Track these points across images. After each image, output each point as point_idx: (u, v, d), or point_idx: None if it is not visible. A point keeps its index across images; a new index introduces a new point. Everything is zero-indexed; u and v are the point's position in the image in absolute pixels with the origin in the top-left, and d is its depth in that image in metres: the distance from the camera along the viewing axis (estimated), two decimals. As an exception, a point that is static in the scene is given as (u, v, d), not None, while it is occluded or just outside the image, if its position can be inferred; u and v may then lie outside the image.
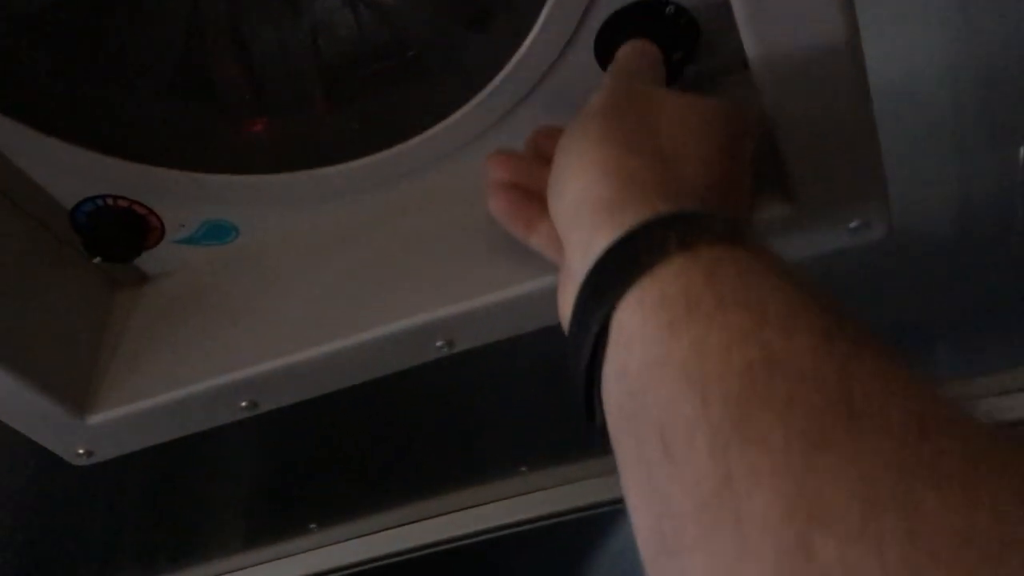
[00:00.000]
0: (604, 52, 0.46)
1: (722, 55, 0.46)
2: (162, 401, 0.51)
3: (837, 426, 0.24)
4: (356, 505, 0.97)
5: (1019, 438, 0.24)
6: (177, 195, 0.53)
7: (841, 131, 0.41)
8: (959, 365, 0.87)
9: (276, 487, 0.96)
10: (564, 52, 0.47)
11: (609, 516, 0.90)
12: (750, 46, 0.38)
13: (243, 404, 0.52)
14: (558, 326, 0.39)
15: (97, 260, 0.53)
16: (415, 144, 0.52)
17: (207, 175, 0.52)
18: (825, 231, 0.45)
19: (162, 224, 0.55)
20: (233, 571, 1.01)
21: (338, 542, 0.98)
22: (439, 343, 0.49)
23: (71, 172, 0.51)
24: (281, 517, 0.99)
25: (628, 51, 0.45)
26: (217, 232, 0.56)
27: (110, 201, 0.53)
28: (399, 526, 0.97)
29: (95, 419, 0.51)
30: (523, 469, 0.92)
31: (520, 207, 0.44)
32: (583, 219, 0.35)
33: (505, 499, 0.94)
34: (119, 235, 0.53)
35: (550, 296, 0.41)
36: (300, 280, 0.54)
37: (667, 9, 0.45)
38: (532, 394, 0.78)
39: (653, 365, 0.29)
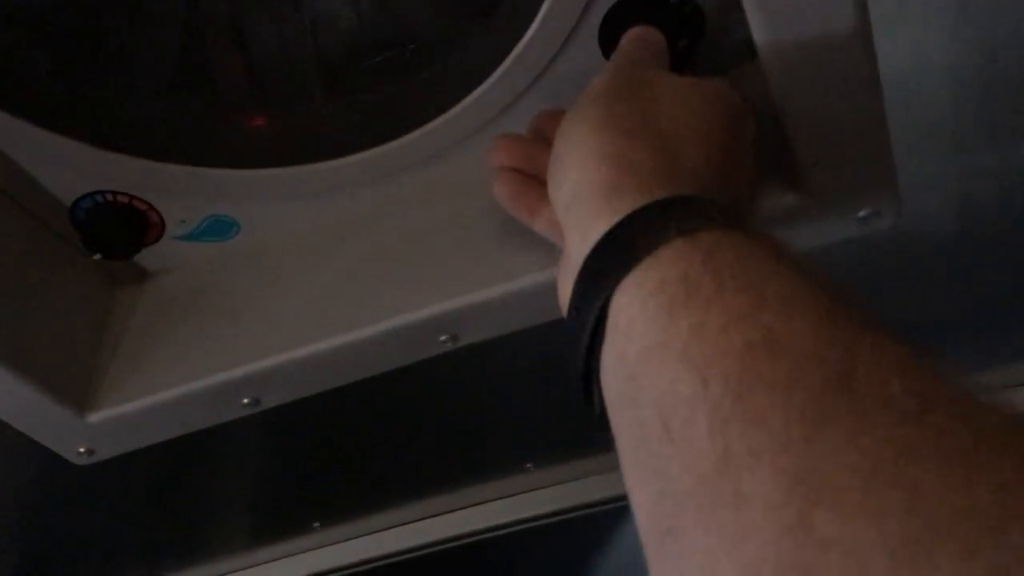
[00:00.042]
0: (608, 41, 0.46)
1: (728, 43, 0.45)
2: (163, 399, 0.51)
3: (838, 404, 0.24)
4: (360, 503, 0.97)
5: (1019, 416, 0.24)
6: (177, 190, 0.53)
7: (851, 120, 0.41)
8: (961, 364, 0.87)
9: (279, 486, 0.96)
10: (567, 42, 0.46)
11: (615, 513, 0.90)
12: (759, 36, 0.38)
13: (245, 401, 0.52)
14: (563, 320, 0.39)
15: (97, 257, 0.53)
16: (417, 137, 0.51)
17: (208, 170, 0.52)
18: (834, 220, 0.45)
19: (162, 220, 0.54)
20: (236, 570, 1.01)
21: (342, 541, 0.98)
22: (443, 337, 0.49)
23: (70, 168, 0.50)
24: (284, 516, 0.99)
25: (632, 38, 0.44)
26: (218, 228, 0.56)
27: (109, 197, 0.52)
28: (403, 524, 0.97)
29: (96, 417, 0.51)
30: (529, 466, 0.92)
31: (523, 191, 0.44)
32: (581, 204, 0.35)
33: (511, 496, 0.94)
34: (119, 231, 0.53)
35: (554, 289, 0.41)
36: (302, 275, 0.53)
37: (672, -3, 0.44)
38: (537, 389, 0.77)
39: (652, 349, 0.29)
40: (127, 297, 0.57)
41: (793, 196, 0.44)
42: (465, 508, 0.95)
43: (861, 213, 0.44)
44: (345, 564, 0.98)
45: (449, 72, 0.52)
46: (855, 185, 0.43)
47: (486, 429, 0.91)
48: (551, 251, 0.43)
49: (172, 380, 0.51)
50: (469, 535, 0.95)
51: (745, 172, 0.41)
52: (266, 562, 1.00)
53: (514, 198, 0.44)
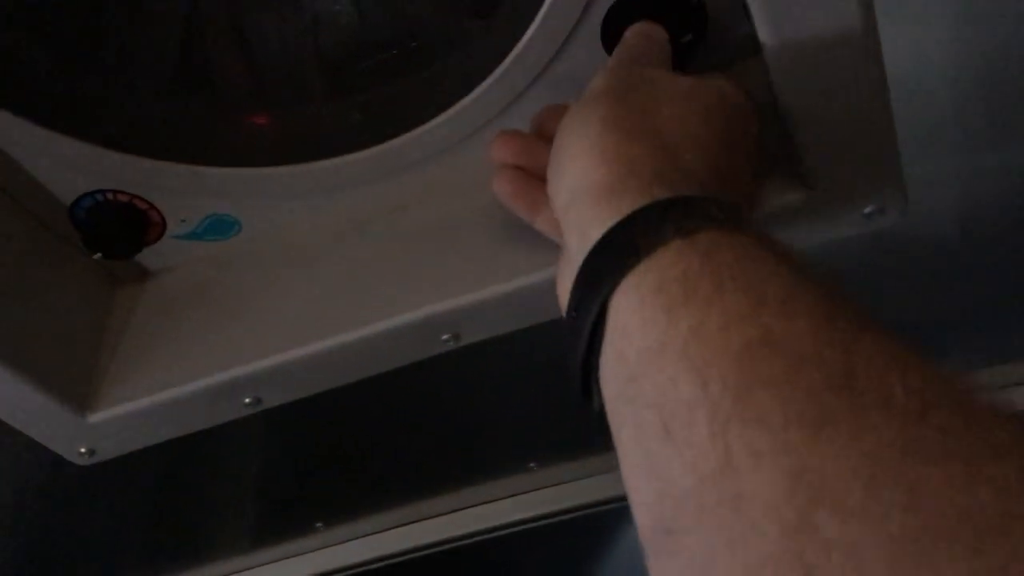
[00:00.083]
0: (611, 38, 0.45)
1: (732, 38, 0.45)
2: (164, 398, 0.50)
3: (838, 404, 0.24)
4: (362, 503, 0.97)
5: (1020, 416, 0.24)
6: (178, 189, 0.52)
7: (857, 117, 0.41)
8: (961, 363, 0.87)
9: (281, 486, 0.96)
10: (568, 40, 0.46)
11: (619, 513, 0.90)
12: (764, 35, 0.38)
13: (247, 401, 0.52)
14: (565, 318, 0.39)
15: (97, 256, 0.53)
16: (418, 135, 0.51)
17: (208, 168, 0.52)
18: (839, 216, 0.44)
19: (163, 219, 0.54)
20: (239, 571, 1.00)
21: (345, 541, 0.98)
22: (445, 336, 0.49)
23: (70, 166, 0.50)
24: (287, 516, 0.99)
25: (633, 34, 0.44)
26: (219, 227, 0.55)
27: (110, 196, 0.52)
28: (406, 524, 0.97)
29: (96, 417, 0.51)
30: (532, 465, 0.92)
31: (524, 189, 0.44)
32: (580, 204, 0.35)
33: (513, 496, 0.94)
34: (119, 231, 0.53)
35: (555, 288, 0.40)
36: (303, 274, 0.53)
37: (675, -9, 0.44)
38: (540, 388, 0.77)
39: (651, 350, 0.29)
40: (128, 297, 0.57)
41: (798, 192, 0.43)
42: (468, 508, 0.95)
43: (867, 209, 0.44)
44: (348, 564, 0.98)
45: (450, 71, 0.52)
46: (861, 181, 0.43)
47: (489, 428, 0.91)
48: (553, 249, 0.43)
49: (173, 380, 0.51)
50: (472, 535, 0.95)
51: (747, 172, 0.41)
52: (268, 563, 1.00)
53: (515, 195, 0.44)
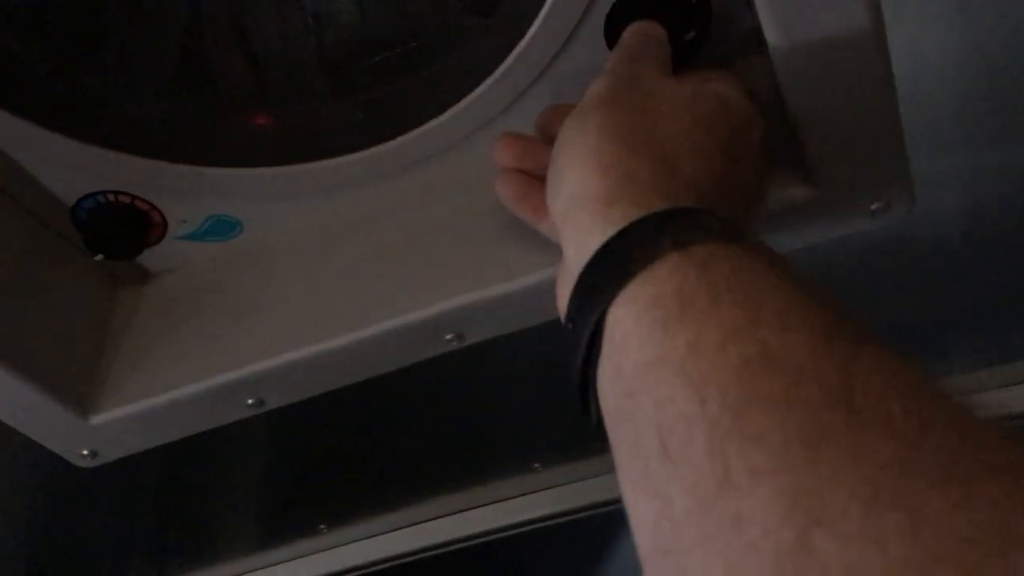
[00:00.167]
0: (614, 35, 0.45)
1: (735, 33, 0.45)
2: (166, 400, 0.50)
3: (836, 422, 0.24)
4: (366, 505, 0.96)
5: (1020, 435, 0.24)
6: (179, 190, 0.52)
7: (864, 115, 0.41)
8: (961, 363, 0.87)
9: (285, 487, 0.96)
10: (571, 38, 0.46)
11: (624, 513, 0.90)
12: (770, 35, 0.38)
13: (249, 402, 0.51)
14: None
15: (99, 257, 0.53)
16: (420, 135, 0.51)
17: (209, 169, 0.52)
18: (846, 213, 0.44)
19: (164, 220, 0.54)
20: (242, 573, 1.00)
21: (349, 543, 0.98)
22: (448, 336, 0.48)
23: (71, 168, 0.50)
24: (290, 518, 0.99)
25: (632, 33, 0.44)
26: (221, 227, 0.55)
27: (111, 197, 0.52)
28: (409, 526, 0.97)
29: (98, 419, 0.51)
30: (536, 466, 0.92)
31: (528, 193, 0.44)
32: (578, 214, 0.35)
33: (518, 496, 0.93)
34: (121, 232, 0.53)
35: (559, 287, 0.40)
36: (306, 274, 0.53)
37: (678, -12, 0.44)
38: (544, 388, 0.77)
39: (649, 364, 0.29)
40: (129, 298, 0.56)
41: (804, 188, 0.43)
42: (472, 509, 0.95)
43: (873, 206, 0.44)
44: (351, 566, 0.98)
45: (452, 70, 0.52)
46: (867, 178, 0.43)
47: (492, 429, 0.90)
48: (556, 249, 0.43)
49: (175, 381, 0.50)
50: (477, 536, 0.95)
51: (750, 180, 0.41)
52: (272, 564, 1.00)
53: (518, 199, 0.44)
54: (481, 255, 0.48)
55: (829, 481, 0.23)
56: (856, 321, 0.28)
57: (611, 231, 0.33)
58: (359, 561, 0.97)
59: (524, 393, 0.82)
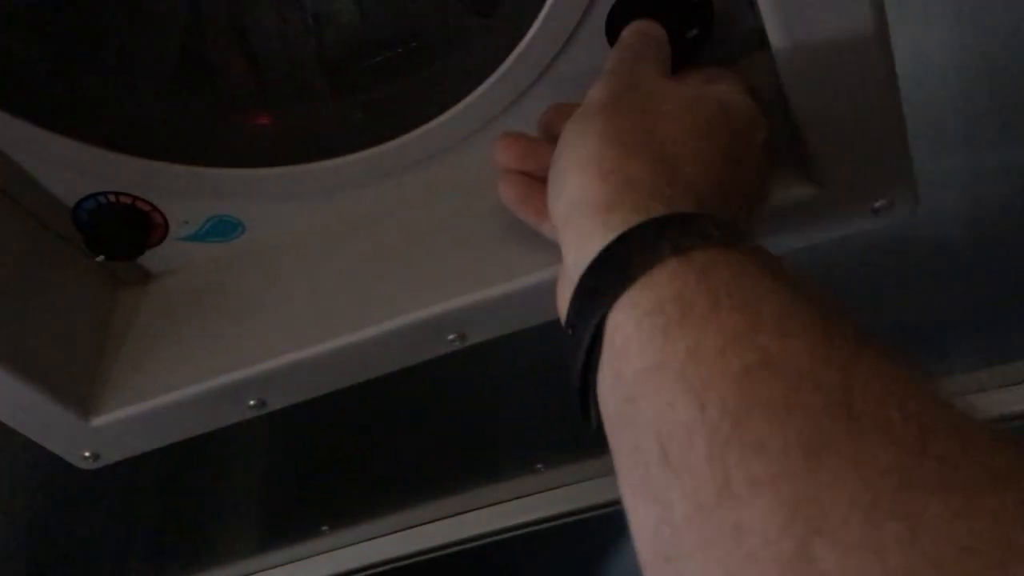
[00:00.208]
0: (615, 34, 0.45)
1: (738, 32, 0.45)
2: (168, 401, 0.50)
3: (836, 429, 0.24)
4: (368, 506, 0.96)
5: (1021, 439, 0.24)
6: (180, 191, 0.52)
7: (867, 114, 0.40)
8: (961, 363, 0.87)
9: (287, 489, 0.96)
10: (572, 37, 0.46)
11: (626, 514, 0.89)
12: (774, 34, 0.38)
13: (251, 403, 0.51)
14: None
15: (100, 259, 0.53)
16: (421, 135, 0.51)
17: (211, 169, 0.52)
18: (848, 212, 0.44)
19: (166, 221, 0.54)
20: (244, 575, 1.00)
21: (350, 544, 0.98)
22: (451, 336, 0.48)
23: (72, 168, 0.50)
24: (292, 520, 0.99)
25: (631, 33, 0.44)
26: (222, 228, 0.55)
27: (112, 198, 0.52)
28: (412, 527, 0.96)
29: (100, 421, 0.51)
30: (539, 466, 0.92)
31: (530, 194, 0.44)
32: (578, 219, 0.35)
33: (521, 497, 0.93)
34: (122, 233, 0.53)
35: (561, 287, 0.40)
36: (308, 275, 0.53)
37: (680, -14, 0.43)
38: (546, 389, 0.77)
39: (649, 370, 0.29)
40: (130, 299, 0.56)
41: (807, 188, 0.43)
42: (475, 510, 0.95)
43: (876, 204, 0.44)
44: (354, 568, 0.98)
45: (452, 70, 0.52)
46: (870, 177, 0.43)
47: (495, 430, 0.90)
48: (558, 249, 0.43)
49: (177, 382, 0.50)
50: (479, 537, 0.95)
51: (753, 182, 0.41)
52: (274, 566, 1.00)
53: (520, 201, 0.44)
54: (483, 255, 0.48)
55: (829, 489, 0.23)
56: (856, 324, 0.28)
57: (611, 236, 0.33)
58: (361, 563, 0.97)
59: (526, 394, 0.82)
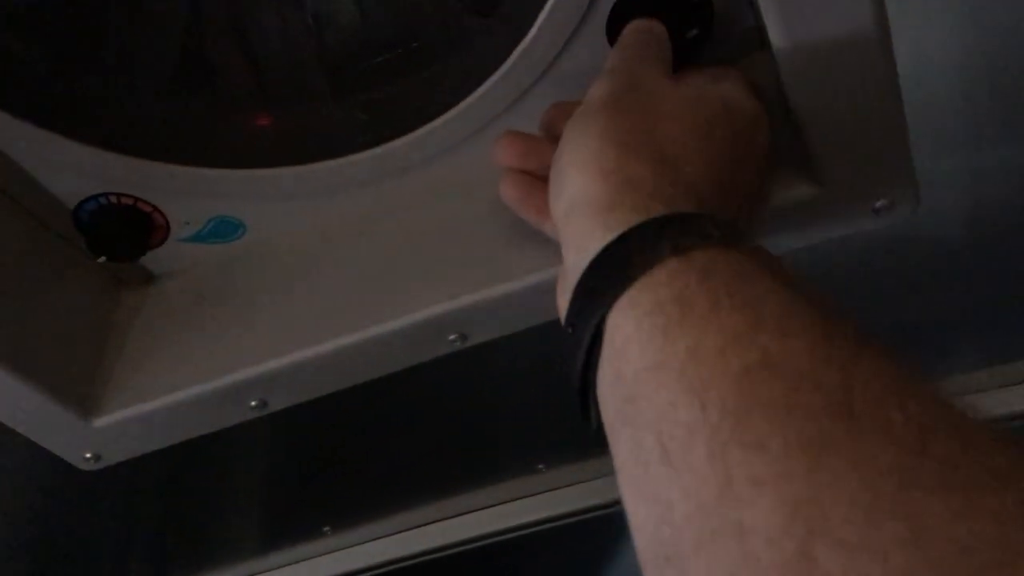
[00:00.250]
0: (616, 33, 0.45)
1: (738, 32, 0.45)
2: (170, 402, 0.50)
3: (837, 429, 0.24)
4: (370, 507, 0.96)
5: (1020, 443, 0.24)
6: (182, 191, 0.52)
7: (868, 114, 0.40)
8: (961, 363, 0.87)
9: (288, 490, 0.96)
10: (573, 37, 0.46)
11: (628, 514, 0.89)
12: (775, 35, 0.38)
13: (253, 404, 0.51)
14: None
15: (101, 260, 0.52)
16: (423, 134, 0.51)
17: (212, 170, 0.52)
18: (850, 211, 0.44)
19: (167, 222, 0.54)
20: (246, 576, 1.00)
21: (352, 545, 0.98)
22: (452, 337, 0.48)
23: (73, 169, 0.50)
24: (294, 521, 0.99)
25: (632, 31, 0.43)
26: (223, 229, 0.55)
27: (113, 199, 0.52)
28: (414, 528, 0.96)
29: (101, 422, 0.51)
30: (540, 467, 0.92)
31: (531, 193, 0.44)
32: (578, 219, 0.35)
33: (522, 498, 0.93)
34: (123, 234, 0.53)
35: (562, 287, 0.40)
36: (309, 276, 0.53)
37: (681, -14, 0.43)
38: (547, 389, 0.77)
39: (649, 370, 0.29)
40: (132, 300, 0.56)
41: (807, 186, 0.43)
42: (476, 511, 0.95)
43: (877, 204, 0.44)
44: (356, 569, 0.97)
45: (453, 70, 0.52)
46: (871, 176, 0.43)
47: (496, 430, 0.90)
48: (559, 249, 0.43)
49: (178, 383, 0.50)
50: (480, 538, 0.95)
51: (754, 182, 0.41)
52: (276, 567, 1.00)
53: (521, 200, 0.44)
54: (484, 255, 0.48)
55: (830, 489, 0.23)
56: (856, 324, 0.28)
57: (611, 236, 0.33)
58: (363, 564, 0.97)
59: (527, 394, 0.82)
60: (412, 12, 0.53)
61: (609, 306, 0.31)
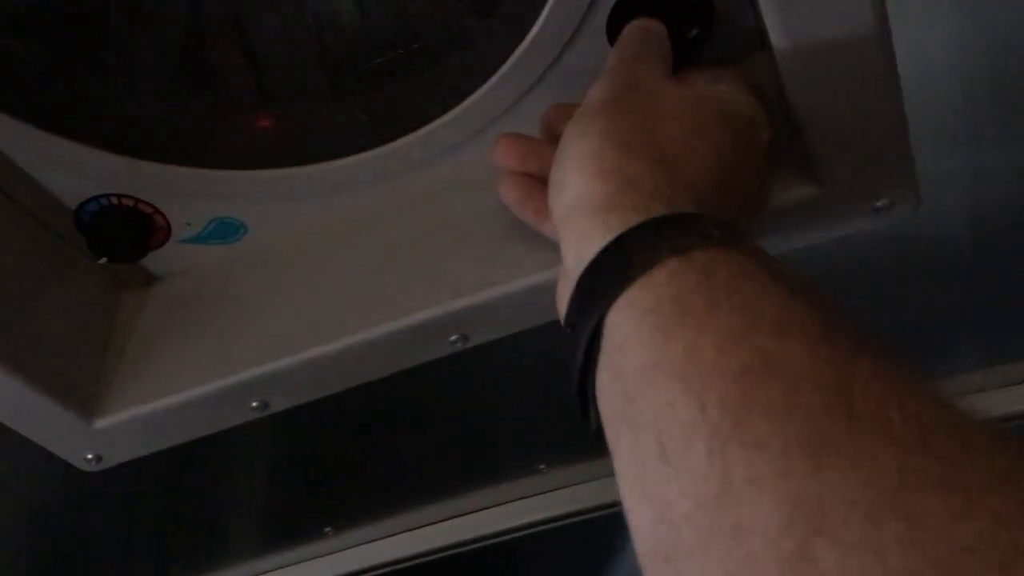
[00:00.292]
0: (616, 33, 0.45)
1: (738, 32, 0.45)
2: (171, 403, 0.50)
3: (836, 429, 0.24)
4: (371, 508, 0.96)
5: (1020, 442, 0.24)
6: (182, 193, 0.52)
7: (868, 113, 0.40)
8: (961, 363, 0.87)
9: (290, 490, 0.96)
10: (574, 37, 0.46)
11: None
12: (776, 35, 0.38)
13: (254, 405, 0.51)
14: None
15: (102, 261, 0.52)
16: (424, 135, 0.51)
17: (213, 171, 0.52)
18: (850, 211, 0.44)
19: (168, 223, 0.54)
20: (247, 577, 1.00)
21: (354, 546, 0.98)
22: (453, 337, 0.48)
23: (74, 170, 0.50)
24: (295, 521, 0.99)
25: (632, 30, 0.43)
26: (224, 230, 0.55)
27: (114, 200, 0.52)
28: (415, 528, 0.96)
29: (103, 423, 0.51)
30: (542, 467, 0.92)
31: (531, 195, 0.44)
32: (578, 219, 0.35)
33: (524, 498, 0.93)
34: (124, 235, 0.53)
35: (563, 288, 0.40)
36: (310, 276, 0.53)
37: (681, -15, 0.43)
38: (548, 389, 0.77)
39: (648, 369, 0.29)
40: (133, 301, 0.56)
41: (808, 186, 0.43)
42: (478, 511, 0.95)
43: (878, 204, 0.44)
44: (358, 569, 0.97)
45: (454, 70, 0.52)
46: (872, 176, 0.43)
47: (497, 431, 0.90)
48: (560, 249, 0.43)
49: (180, 384, 0.50)
50: (482, 539, 0.95)
51: (753, 182, 0.41)
52: (278, 568, 1.00)
53: (521, 203, 0.44)
54: (485, 255, 0.48)
55: (829, 489, 0.23)
56: (856, 326, 0.28)
57: (610, 236, 0.33)
58: (365, 564, 0.97)
59: (529, 394, 0.82)
60: (412, 12, 0.53)
61: (608, 306, 0.31)
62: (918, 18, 0.55)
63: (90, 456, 0.53)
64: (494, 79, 0.48)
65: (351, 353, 0.48)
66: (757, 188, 0.42)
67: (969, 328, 0.83)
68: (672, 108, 0.38)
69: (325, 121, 0.54)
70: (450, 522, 0.96)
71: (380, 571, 0.97)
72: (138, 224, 0.53)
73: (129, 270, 0.56)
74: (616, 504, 0.30)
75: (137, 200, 0.52)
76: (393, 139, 0.51)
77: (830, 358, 0.26)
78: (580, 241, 0.34)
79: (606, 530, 0.96)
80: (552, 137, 0.44)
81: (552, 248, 0.44)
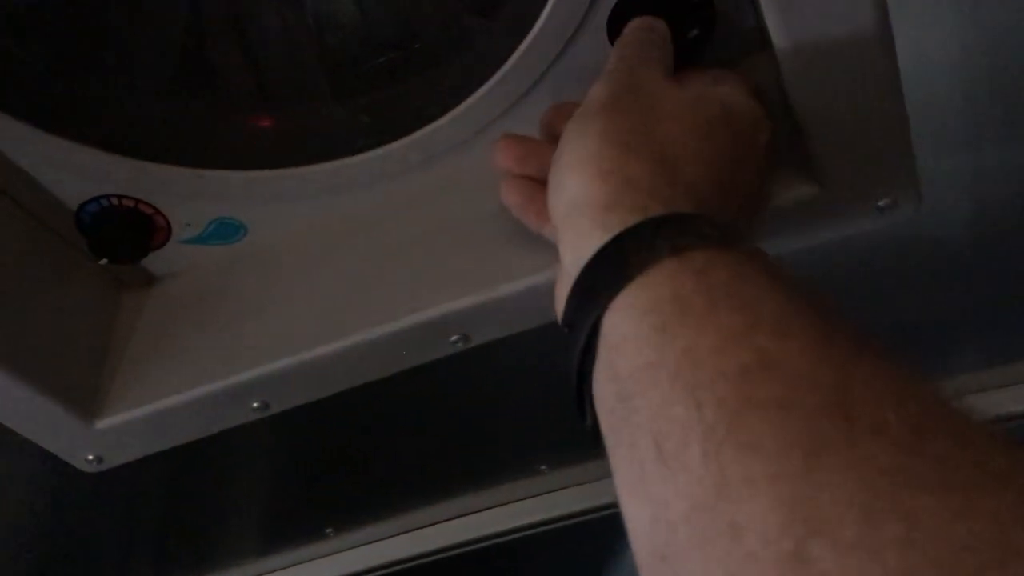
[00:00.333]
0: (617, 33, 0.45)
1: (739, 32, 0.45)
2: (172, 404, 0.50)
3: (834, 429, 0.24)
4: (372, 509, 0.96)
5: (1019, 445, 0.24)
6: (183, 193, 0.52)
7: (870, 113, 0.40)
8: (961, 363, 0.87)
9: (290, 491, 0.96)
10: (574, 37, 0.46)
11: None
12: (777, 35, 0.38)
13: (254, 405, 0.51)
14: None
15: (103, 262, 0.52)
16: (424, 135, 0.51)
17: (213, 172, 0.52)
18: (852, 211, 0.44)
19: (168, 224, 0.54)
20: (248, 578, 1.00)
21: (355, 547, 0.98)
22: (454, 338, 0.48)
23: (75, 171, 0.50)
24: (296, 522, 0.99)
25: (633, 30, 0.43)
26: (225, 231, 0.55)
27: (115, 201, 0.52)
28: (416, 529, 0.96)
29: (103, 424, 0.51)
30: (542, 468, 0.92)
31: (531, 199, 0.44)
32: (577, 219, 0.35)
33: (524, 499, 0.93)
34: (125, 235, 0.53)
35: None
36: (311, 277, 0.53)
37: (682, -15, 0.43)
38: (549, 390, 0.77)
39: (645, 368, 0.29)
40: (134, 302, 0.56)
41: (809, 186, 0.43)
42: (479, 512, 0.95)
43: (880, 203, 0.44)
44: (358, 570, 0.97)
45: (454, 70, 0.52)
46: (873, 175, 0.43)
47: (497, 431, 0.90)
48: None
49: (180, 385, 0.50)
50: (483, 539, 0.95)
51: (751, 182, 0.41)
52: (279, 569, 1.00)
53: (522, 206, 0.44)
54: (486, 255, 0.48)
55: (827, 489, 0.23)
56: (854, 325, 0.28)
57: (608, 236, 0.33)
58: (366, 565, 0.97)
59: (529, 395, 0.82)
60: (413, 13, 0.53)
61: (606, 305, 0.31)
62: (918, 18, 0.55)
63: (91, 457, 0.52)
64: (494, 79, 0.48)
65: (352, 353, 0.48)
66: (757, 188, 0.42)
67: (969, 328, 0.83)
68: (672, 109, 0.38)
69: (325, 121, 0.54)
70: (451, 523, 0.96)
71: (381, 572, 0.97)
72: (139, 225, 0.53)
73: (130, 271, 0.56)
74: (616, 505, 0.30)
75: (138, 201, 0.52)
76: (393, 140, 0.51)
77: (829, 358, 0.26)
78: (578, 241, 0.34)
79: (606, 531, 0.96)
80: (551, 138, 0.44)
81: (553, 249, 0.43)
